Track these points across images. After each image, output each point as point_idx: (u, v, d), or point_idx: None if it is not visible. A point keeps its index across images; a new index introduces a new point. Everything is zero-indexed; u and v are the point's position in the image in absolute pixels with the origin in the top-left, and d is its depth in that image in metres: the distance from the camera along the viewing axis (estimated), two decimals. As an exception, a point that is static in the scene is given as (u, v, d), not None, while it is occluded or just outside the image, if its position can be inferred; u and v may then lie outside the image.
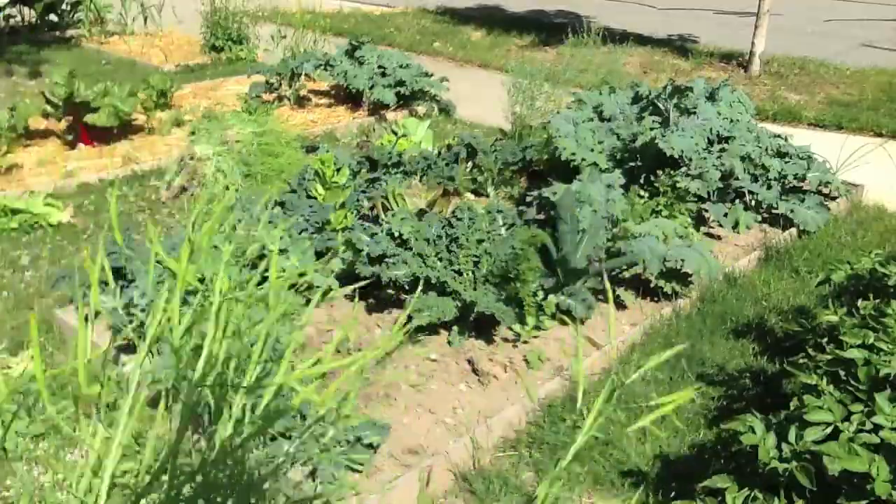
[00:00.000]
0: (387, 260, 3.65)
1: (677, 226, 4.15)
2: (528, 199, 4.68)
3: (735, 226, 4.67)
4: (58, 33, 10.17)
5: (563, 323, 3.68)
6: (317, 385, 2.99)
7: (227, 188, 5.29)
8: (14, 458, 2.97)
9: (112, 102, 5.92)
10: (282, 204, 4.08)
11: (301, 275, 3.70)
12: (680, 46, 9.52)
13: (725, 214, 4.67)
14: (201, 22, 9.07)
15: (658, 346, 3.58)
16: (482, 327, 3.59)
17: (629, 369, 3.42)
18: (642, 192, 4.58)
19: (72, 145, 6.07)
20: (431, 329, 3.55)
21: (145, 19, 10.22)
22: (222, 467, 1.47)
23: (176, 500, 1.36)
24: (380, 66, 7.04)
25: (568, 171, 4.74)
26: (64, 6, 10.31)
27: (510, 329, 3.58)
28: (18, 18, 10.29)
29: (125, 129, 6.33)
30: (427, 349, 3.49)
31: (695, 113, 4.96)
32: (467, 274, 3.70)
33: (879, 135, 6.51)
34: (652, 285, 3.89)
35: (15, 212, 4.79)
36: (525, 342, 3.54)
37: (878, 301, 2.94)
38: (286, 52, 8.18)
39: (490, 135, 6.30)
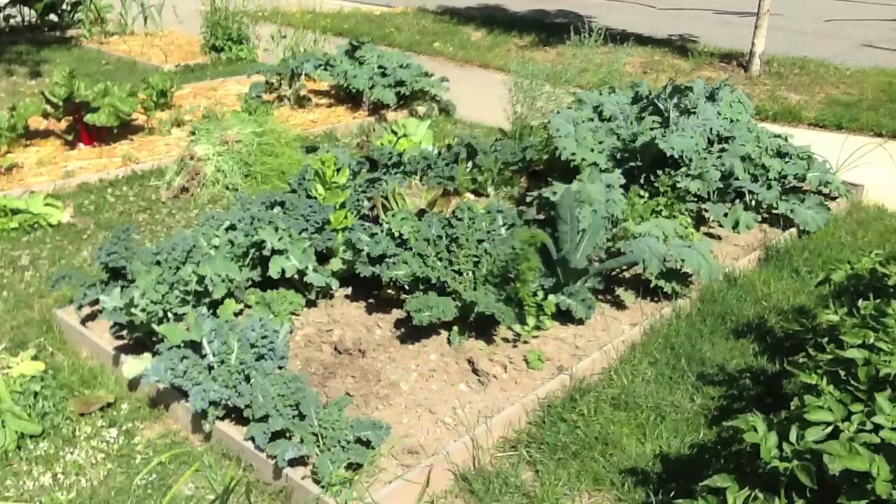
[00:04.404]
0: (387, 260, 3.65)
1: (677, 226, 4.15)
2: (528, 199, 4.68)
3: (735, 226, 4.67)
4: (58, 33, 10.17)
5: (564, 323, 3.69)
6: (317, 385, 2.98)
7: (227, 188, 5.29)
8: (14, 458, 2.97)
9: (112, 102, 5.92)
10: (282, 204, 4.07)
11: (301, 273, 3.71)
12: (680, 46, 9.52)
13: (725, 214, 4.67)
14: (201, 22, 9.07)
15: (658, 346, 3.58)
16: (482, 327, 3.58)
17: (629, 369, 3.42)
18: (642, 192, 4.58)
19: (72, 145, 6.07)
20: (431, 329, 3.55)
21: (145, 19, 10.23)
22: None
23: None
24: (380, 66, 7.04)
25: (568, 171, 4.74)
26: (64, 6, 10.31)
27: (510, 329, 3.58)
28: (18, 18, 10.29)
29: (125, 129, 6.33)
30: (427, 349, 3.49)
31: (695, 113, 4.95)
32: (467, 274, 3.69)
33: (879, 135, 6.51)
34: (652, 285, 3.89)
35: (15, 212, 4.79)
36: (525, 342, 3.53)
37: (878, 301, 2.94)
38: (286, 52, 8.18)
39: (490, 135, 6.30)
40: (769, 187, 4.81)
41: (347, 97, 7.21)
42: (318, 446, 2.81)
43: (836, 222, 4.88)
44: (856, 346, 2.58)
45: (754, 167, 4.85)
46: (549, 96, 5.91)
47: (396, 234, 3.75)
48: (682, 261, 3.83)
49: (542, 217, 4.38)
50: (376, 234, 3.81)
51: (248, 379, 3.06)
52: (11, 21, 10.27)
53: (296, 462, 2.79)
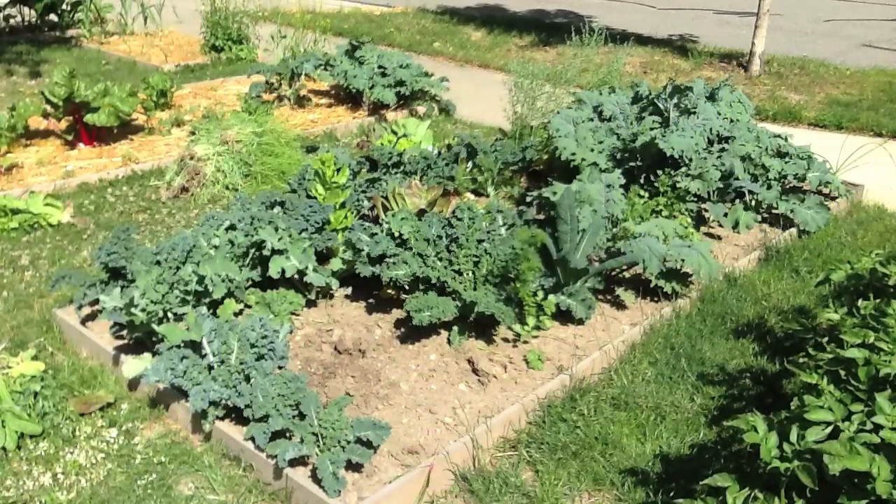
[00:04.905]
0: (387, 260, 3.65)
1: (677, 226, 4.15)
2: (528, 199, 4.68)
3: (735, 226, 4.67)
4: (58, 33, 10.17)
5: (564, 323, 3.69)
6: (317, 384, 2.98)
7: (227, 188, 5.29)
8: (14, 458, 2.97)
9: (112, 102, 5.92)
10: (282, 204, 4.07)
11: (301, 273, 3.71)
12: (680, 46, 9.52)
13: (725, 214, 4.67)
14: (201, 22, 9.07)
15: (658, 346, 3.58)
16: (482, 327, 3.58)
17: (629, 369, 3.42)
18: (642, 192, 4.58)
19: (72, 145, 6.07)
20: (431, 329, 3.55)
21: (145, 19, 10.23)
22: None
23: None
24: (380, 66, 7.05)
25: (568, 171, 4.74)
26: (64, 6, 10.31)
27: (510, 329, 3.58)
28: (18, 18, 10.30)
29: (125, 129, 6.33)
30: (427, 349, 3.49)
31: (695, 113, 4.96)
32: (467, 274, 3.69)
33: (879, 135, 6.51)
34: (652, 285, 3.89)
35: (15, 212, 4.79)
36: (525, 342, 3.53)
37: (878, 301, 2.94)
38: (286, 52, 8.18)
39: (490, 135, 6.30)
40: (769, 187, 4.81)
41: (347, 97, 7.21)
42: (319, 446, 2.81)
43: (836, 222, 4.88)
44: (856, 345, 2.58)
45: (754, 167, 4.85)
46: (549, 96, 5.90)
47: (396, 234, 3.75)
48: (682, 261, 3.83)
49: (542, 217, 4.38)
50: (376, 234, 3.81)
51: (248, 379, 3.06)
52: (11, 21, 10.27)
53: (296, 462, 2.79)
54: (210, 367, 3.12)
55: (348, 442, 2.80)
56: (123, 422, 3.15)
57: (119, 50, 9.38)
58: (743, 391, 3.31)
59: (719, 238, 4.64)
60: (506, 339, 3.56)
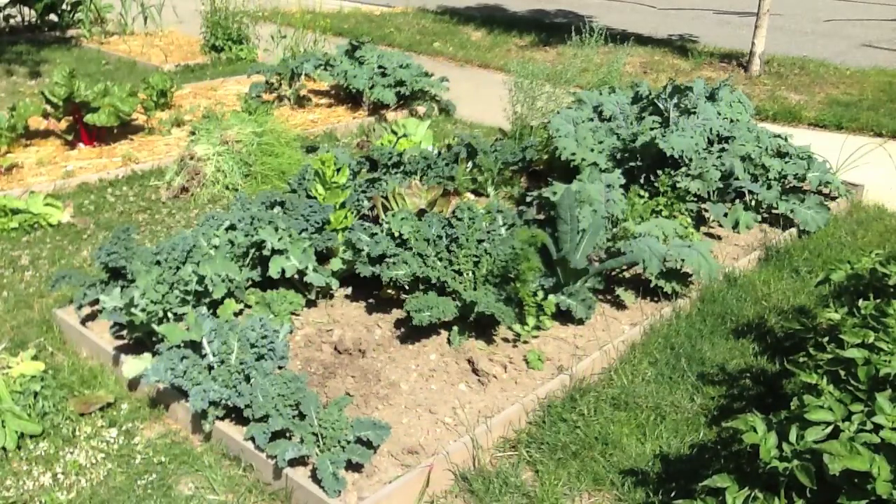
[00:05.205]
0: (387, 260, 3.65)
1: (677, 226, 4.15)
2: (528, 199, 4.68)
3: (735, 226, 4.67)
4: (58, 33, 10.17)
5: (564, 323, 3.69)
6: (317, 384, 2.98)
7: (227, 188, 5.29)
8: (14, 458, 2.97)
9: (112, 102, 5.92)
10: (282, 204, 4.07)
11: (301, 273, 3.71)
12: (680, 46, 9.52)
13: (725, 214, 4.67)
14: (201, 22, 9.07)
15: (658, 346, 3.58)
16: (482, 327, 3.58)
17: (629, 369, 3.42)
18: (642, 192, 4.58)
19: (72, 145, 6.07)
20: (431, 329, 3.55)
21: (145, 19, 10.23)
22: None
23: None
24: (380, 66, 7.05)
25: (568, 171, 4.74)
26: (64, 6, 10.31)
27: (510, 329, 3.58)
28: (18, 18, 10.30)
29: (125, 129, 6.33)
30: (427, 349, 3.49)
31: (695, 113, 4.96)
32: (467, 274, 3.69)
33: (879, 135, 6.51)
34: (652, 285, 3.89)
35: (15, 212, 4.79)
36: (525, 342, 3.53)
37: (878, 301, 2.94)
38: (286, 52, 8.18)
39: (490, 135, 6.30)
40: (769, 187, 4.81)
41: (347, 97, 7.21)
42: (318, 446, 2.81)
43: (836, 222, 4.88)
44: (856, 345, 2.58)
45: (754, 167, 4.85)
46: (549, 96, 5.90)
47: (396, 234, 3.75)
48: (682, 261, 3.83)
49: (542, 217, 4.38)
50: (376, 234, 3.81)
51: (248, 379, 3.06)
52: (11, 21, 10.27)
53: (296, 462, 2.79)
54: (210, 367, 3.12)
55: (348, 442, 2.80)
56: (123, 422, 3.15)
57: (119, 50, 9.38)
58: (743, 391, 3.31)
59: (719, 238, 4.64)
60: (506, 339, 3.56)
